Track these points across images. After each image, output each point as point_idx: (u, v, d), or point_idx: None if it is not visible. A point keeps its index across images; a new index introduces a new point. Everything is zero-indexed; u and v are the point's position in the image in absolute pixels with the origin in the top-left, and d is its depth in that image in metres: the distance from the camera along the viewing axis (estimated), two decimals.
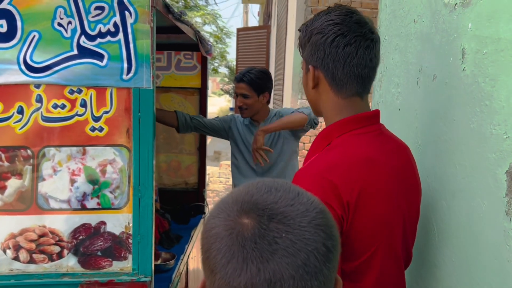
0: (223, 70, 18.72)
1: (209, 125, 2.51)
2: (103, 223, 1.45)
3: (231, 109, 17.70)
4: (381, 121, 1.67)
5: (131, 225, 1.44)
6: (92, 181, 1.44)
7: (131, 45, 1.38)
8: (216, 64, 17.59)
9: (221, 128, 2.52)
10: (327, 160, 0.96)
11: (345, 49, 0.99)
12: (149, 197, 1.44)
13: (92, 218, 1.45)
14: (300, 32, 1.08)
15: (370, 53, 1.02)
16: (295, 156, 2.49)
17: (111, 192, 1.44)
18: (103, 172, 1.43)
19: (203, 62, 2.88)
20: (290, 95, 5.65)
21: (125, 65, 1.39)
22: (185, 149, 2.97)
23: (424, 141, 1.30)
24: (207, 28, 15.46)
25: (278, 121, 2.32)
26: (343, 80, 1.01)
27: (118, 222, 1.45)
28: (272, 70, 8.82)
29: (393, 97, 1.59)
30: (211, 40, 16.05)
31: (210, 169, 5.82)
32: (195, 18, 15.09)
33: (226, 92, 16.88)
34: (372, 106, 1.83)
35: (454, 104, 1.12)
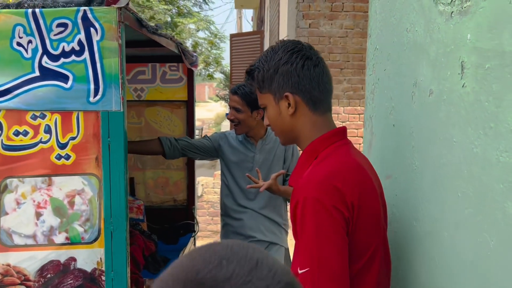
0: (219, 75, 18.64)
1: (198, 145, 2.32)
2: (73, 259, 1.32)
3: (227, 114, 17.58)
4: (374, 137, 1.55)
5: (103, 260, 1.32)
6: (60, 213, 1.31)
7: (98, 65, 1.26)
8: (211, 70, 17.50)
9: (210, 148, 2.34)
10: (326, 168, 1.02)
11: (315, 70, 1.10)
12: (122, 230, 1.31)
13: (60, 254, 1.32)
14: (255, 72, 1.13)
15: (328, 71, 1.15)
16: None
17: (80, 225, 1.32)
18: (71, 203, 1.31)
19: (190, 74, 2.77)
20: None
21: (92, 86, 1.27)
22: (172, 164, 2.84)
23: (422, 163, 1.17)
24: (201, 34, 15.39)
25: (288, 193, 2.08)
26: (320, 97, 1.11)
27: (89, 258, 1.32)
28: None
29: (386, 112, 1.47)
30: (205, 46, 15.97)
31: (204, 180, 5.69)
32: (189, 25, 15.01)
33: (222, 98, 16.76)
34: (365, 120, 1.71)
35: (454, 123, 1.00)
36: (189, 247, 2.66)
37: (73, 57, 1.26)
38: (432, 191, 1.10)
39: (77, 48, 1.26)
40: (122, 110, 1.28)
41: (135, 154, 2.40)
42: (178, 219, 2.77)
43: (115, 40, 1.25)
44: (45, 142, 1.29)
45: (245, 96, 2.16)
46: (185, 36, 14.20)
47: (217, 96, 18.02)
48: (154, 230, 2.63)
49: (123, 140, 1.29)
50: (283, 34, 5.74)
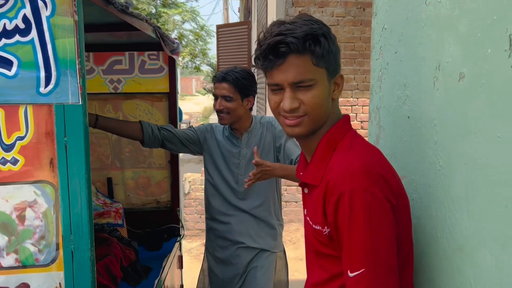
0: (206, 68, 18.31)
1: (182, 136, 2.07)
2: (26, 285, 1.09)
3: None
4: (383, 130, 1.34)
5: (63, 286, 1.09)
6: (7, 231, 1.08)
7: (49, 46, 1.02)
8: (198, 63, 17.16)
9: (195, 140, 2.11)
10: (363, 156, 0.93)
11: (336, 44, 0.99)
12: (85, 249, 1.08)
13: (9, 280, 1.09)
14: (322, 38, 0.94)
15: None
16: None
17: (34, 245, 1.08)
18: (21, 218, 1.07)
19: (171, 63, 2.52)
20: None
21: (42, 73, 1.03)
22: (154, 162, 2.60)
23: (448, 163, 0.96)
24: (187, 26, 15.05)
25: (286, 168, 1.86)
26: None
27: (45, 284, 1.09)
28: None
29: (398, 102, 1.25)
30: (191, 38, 15.63)
31: (191, 176, 5.45)
32: (174, 16, 14.65)
33: (209, 91, 16.45)
34: (370, 111, 1.49)
35: (497, 114, 0.79)
36: (174, 253, 2.43)
37: (17, 37, 1.02)
38: (465, 199, 0.89)
39: (21, 26, 1.01)
40: (81, 103, 1.05)
41: (108, 132, 2.07)
42: (161, 223, 2.54)
43: (69, 15, 1.01)
44: None
45: (236, 82, 1.92)
46: (170, 27, 13.84)
47: (204, 89, 17.69)
48: (135, 235, 2.40)
49: (83, 139, 1.06)
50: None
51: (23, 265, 1.09)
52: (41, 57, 1.02)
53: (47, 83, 1.03)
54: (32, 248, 1.08)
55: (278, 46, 0.91)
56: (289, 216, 5.08)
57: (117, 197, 2.56)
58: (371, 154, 0.95)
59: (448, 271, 0.95)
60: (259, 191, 2.03)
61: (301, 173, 1.07)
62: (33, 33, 1.02)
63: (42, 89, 1.03)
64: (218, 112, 1.97)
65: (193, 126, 2.18)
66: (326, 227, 0.93)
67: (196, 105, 23.94)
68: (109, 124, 1.94)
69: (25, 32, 1.01)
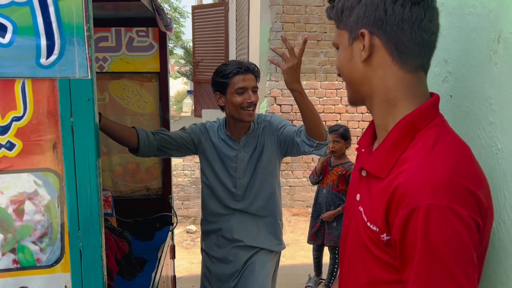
0: (178, 51, 17.86)
1: (178, 140, 1.88)
2: None
3: (188, 91, 16.97)
4: None
5: None
6: (2, 227, 0.92)
7: (51, 9, 0.86)
8: (171, 46, 16.70)
9: (189, 143, 1.93)
10: (448, 161, 0.74)
11: (413, 9, 0.79)
12: (96, 246, 0.94)
13: (6, 284, 0.93)
14: (332, 1, 0.88)
15: (436, 16, 0.84)
16: (274, 175, 1.97)
17: (34, 243, 0.93)
18: (19, 212, 0.92)
19: (162, 40, 2.34)
20: None
21: (43, 41, 0.87)
22: None
23: (510, 145, 0.87)
24: None
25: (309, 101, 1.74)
26: (411, 48, 0.81)
27: (49, 287, 0.94)
28: (232, 49, 8.29)
29: (437, 79, 1.15)
30: None
31: (173, 161, 5.27)
32: None
33: (183, 74, 16.06)
34: None
35: None
36: (168, 242, 2.29)
37: None
38: None
39: None
40: (90, 77, 0.89)
41: (105, 133, 1.74)
42: (152, 211, 2.39)
43: None
44: None
45: (257, 72, 1.90)
46: None
47: (178, 72, 17.26)
48: (125, 225, 2.25)
49: (93, 119, 0.90)
50: (256, 5, 5.31)
51: (22, 267, 0.93)
52: (42, 22, 0.86)
53: (49, 53, 0.87)
54: (33, 247, 0.93)
55: None
56: None
57: (104, 185, 2.39)
58: (460, 158, 0.77)
59: (509, 266, 0.86)
60: (257, 191, 1.92)
61: (363, 150, 0.92)
62: None
63: (43, 60, 0.87)
64: (248, 105, 1.82)
65: (185, 128, 1.99)
66: (385, 234, 0.78)
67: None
68: (110, 124, 1.73)
69: None
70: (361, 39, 0.82)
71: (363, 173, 0.89)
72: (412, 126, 0.80)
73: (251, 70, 1.85)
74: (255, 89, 1.86)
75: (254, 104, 1.84)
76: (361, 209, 0.87)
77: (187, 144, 1.93)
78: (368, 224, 0.83)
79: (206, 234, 2.05)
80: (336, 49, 0.91)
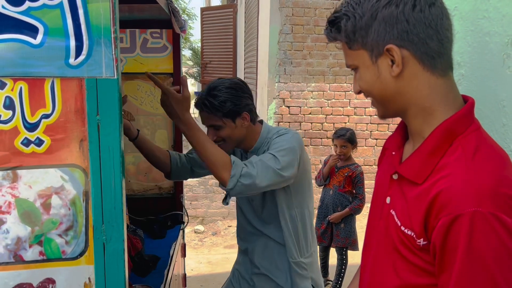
0: (186, 52, 17.96)
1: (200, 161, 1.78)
2: (51, 281, 0.98)
3: (196, 93, 17.04)
4: None
5: (93, 281, 0.98)
6: (30, 220, 0.96)
7: (81, 11, 0.90)
8: None
9: None
10: (491, 168, 0.74)
11: (432, 11, 0.80)
12: (119, 240, 0.97)
13: (33, 275, 0.97)
14: (342, 20, 0.84)
15: (447, 11, 0.83)
16: (281, 201, 1.67)
17: (60, 236, 0.97)
18: (47, 206, 0.96)
19: (175, 42, 2.38)
20: (266, 78, 5.20)
21: (73, 42, 0.91)
22: None
23: None
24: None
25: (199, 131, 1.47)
26: (440, 50, 0.81)
27: (73, 279, 0.98)
28: (241, 51, 8.33)
29: None
30: None
31: None
32: None
33: (191, 76, 16.16)
34: None
35: None
36: (179, 241, 2.33)
37: (44, 0, 0.89)
38: None
39: None
40: (116, 77, 0.93)
41: (141, 151, 1.79)
42: (164, 210, 2.43)
43: None
44: (5, 122, 0.93)
45: (216, 109, 1.57)
46: None
47: (186, 73, 17.36)
48: (138, 223, 2.29)
49: (118, 117, 0.94)
50: (266, 7, 5.36)
51: (48, 259, 0.97)
52: (71, 24, 0.90)
53: (78, 53, 0.91)
54: (58, 240, 0.97)
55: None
56: None
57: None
58: (501, 166, 0.76)
59: None
60: (273, 214, 1.70)
61: (393, 153, 0.92)
62: None
63: (71, 61, 0.91)
64: (215, 141, 1.62)
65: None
66: (422, 239, 0.78)
67: None
68: (147, 142, 1.76)
69: None
70: (387, 54, 0.81)
71: (395, 177, 0.89)
72: (451, 132, 0.80)
73: (204, 108, 1.60)
74: (215, 127, 1.61)
75: (218, 141, 1.62)
76: (393, 213, 0.86)
77: None
78: (402, 228, 0.82)
79: (241, 254, 1.90)
80: (353, 70, 0.89)
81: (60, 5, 0.89)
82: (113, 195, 0.96)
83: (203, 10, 10.11)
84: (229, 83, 1.62)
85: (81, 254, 0.97)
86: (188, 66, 16.98)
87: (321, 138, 5.32)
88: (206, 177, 5.22)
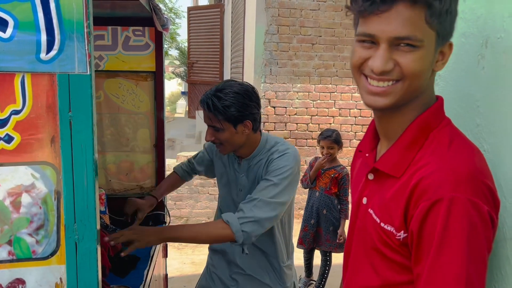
0: (173, 52, 17.86)
1: (202, 162, 1.98)
2: (21, 281, 0.96)
3: (183, 93, 16.96)
4: None
5: (65, 282, 0.96)
6: None
7: (52, 5, 0.88)
8: (166, 46, 16.69)
9: (208, 161, 1.92)
10: (467, 158, 0.76)
11: (456, 6, 0.80)
12: (91, 239, 0.95)
13: (2, 276, 0.95)
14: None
15: None
16: None
17: (30, 235, 0.95)
18: (16, 204, 0.94)
19: (158, 40, 2.36)
20: (252, 79, 5.19)
21: (44, 36, 0.89)
22: (138, 146, 2.45)
23: (496, 146, 0.90)
24: None
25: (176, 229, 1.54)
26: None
27: (44, 279, 0.96)
28: (228, 51, 8.32)
29: None
30: None
31: (167, 161, 5.27)
32: None
33: (178, 75, 16.06)
34: None
35: None
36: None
37: None
38: None
39: None
40: (89, 73, 0.91)
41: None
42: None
43: None
44: None
45: (218, 111, 1.54)
46: None
47: (173, 73, 17.27)
48: (119, 223, 2.25)
49: (91, 114, 0.92)
50: (251, 7, 5.35)
51: (17, 258, 0.95)
52: (42, 17, 0.87)
53: (49, 48, 0.89)
54: (29, 239, 0.95)
55: None
56: None
57: (98, 182, 2.39)
58: (476, 157, 0.78)
59: (496, 263, 0.89)
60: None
61: (367, 154, 0.92)
62: None
63: (43, 55, 0.89)
64: (213, 143, 1.65)
65: (205, 145, 1.97)
66: (402, 232, 0.78)
67: None
68: (163, 191, 2.12)
69: None
70: (447, 47, 0.82)
71: (370, 177, 0.89)
72: (426, 126, 0.81)
73: (209, 109, 1.56)
74: (214, 128, 1.58)
75: (215, 142, 1.62)
76: (371, 211, 0.86)
77: (206, 162, 1.96)
78: (382, 224, 0.82)
79: (214, 255, 1.92)
80: (406, 44, 0.76)
81: None
82: (85, 193, 0.94)
83: (190, 9, 10.06)
84: (238, 88, 1.56)
85: (53, 253, 0.95)
86: (175, 66, 16.88)
87: (306, 139, 5.34)
88: None
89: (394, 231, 0.80)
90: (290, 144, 1.71)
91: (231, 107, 1.53)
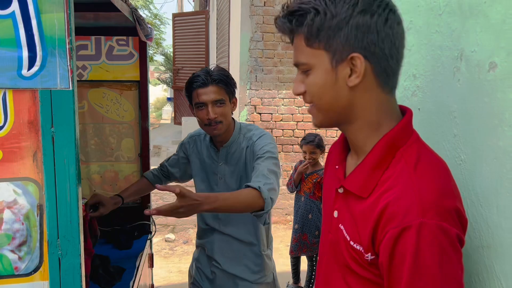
0: (159, 58, 17.80)
1: (175, 164, 1.96)
2: None
3: (168, 99, 16.88)
4: None
5: None
6: None
7: (34, 22, 0.88)
8: (151, 52, 16.62)
9: (181, 162, 1.94)
10: (433, 180, 0.75)
11: (398, 28, 0.80)
12: (75, 255, 0.95)
13: None
14: (309, 14, 0.78)
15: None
16: None
17: (13, 251, 0.94)
18: None
19: (142, 49, 2.36)
20: (237, 85, 5.21)
21: (25, 53, 0.89)
22: (123, 156, 2.44)
23: (472, 156, 0.93)
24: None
25: (217, 199, 1.39)
26: (395, 69, 0.81)
27: None
28: (213, 57, 8.33)
29: (406, 92, 1.21)
30: None
31: (151, 168, 5.23)
32: None
33: (163, 81, 16.00)
34: None
35: None
36: (146, 251, 2.29)
37: None
38: (495, 194, 0.86)
39: None
40: (71, 88, 0.91)
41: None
42: (131, 219, 2.38)
43: None
44: None
45: (229, 83, 1.64)
46: None
47: (158, 79, 17.19)
48: (104, 233, 2.24)
49: (74, 130, 0.92)
50: (236, 14, 5.38)
51: (0, 276, 0.94)
52: (24, 34, 0.88)
53: (31, 64, 0.89)
54: (11, 256, 0.94)
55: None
56: None
57: (82, 193, 2.37)
58: (443, 177, 0.77)
59: (473, 270, 0.92)
60: (243, 216, 1.75)
61: (337, 166, 0.92)
62: (14, 5, 0.87)
63: (24, 72, 0.89)
64: (210, 122, 1.65)
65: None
66: (370, 254, 0.78)
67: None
68: (131, 195, 2.01)
69: (4, 4, 0.86)
70: (349, 62, 0.78)
71: (340, 190, 0.88)
72: (393, 145, 0.80)
73: (214, 80, 1.62)
74: (218, 103, 1.63)
75: (216, 121, 1.64)
76: (342, 227, 0.86)
77: (179, 164, 1.96)
78: (352, 243, 0.82)
79: (196, 249, 1.97)
80: (302, 71, 0.82)
81: (12, 15, 0.87)
82: (68, 209, 0.94)
83: (174, 16, 10.06)
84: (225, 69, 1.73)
85: (35, 270, 0.95)
86: (160, 72, 16.82)
87: (292, 145, 5.37)
88: (176, 185, 5.15)
89: (362, 250, 0.79)
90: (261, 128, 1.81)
91: (232, 79, 1.68)
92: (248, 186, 1.46)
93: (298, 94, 0.85)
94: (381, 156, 0.80)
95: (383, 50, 0.77)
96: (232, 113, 1.75)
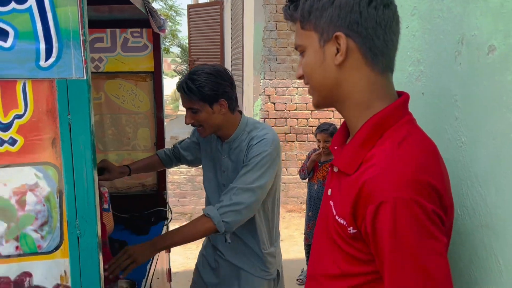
0: (175, 49, 17.91)
1: (188, 147, 1.99)
2: (28, 274, 1.02)
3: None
4: None
5: (69, 274, 1.02)
6: (6, 217, 1.00)
7: (49, 15, 0.93)
8: (167, 44, 16.76)
9: (194, 145, 1.98)
10: (413, 158, 0.78)
11: (385, 12, 0.82)
12: (92, 234, 1.01)
13: (10, 269, 1.01)
14: (299, 1, 0.87)
15: (399, 19, 0.87)
16: None
17: (36, 231, 1.01)
18: (22, 203, 1.00)
19: (155, 41, 2.41)
20: (251, 75, 5.24)
21: (42, 45, 0.94)
22: (139, 145, 2.51)
23: (473, 138, 0.95)
24: (155, 5, 14.60)
25: (167, 237, 1.64)
26: (382, 49, 0.84)
27: (49, 272, 1.02)
28: (228, 48, 8.36)
29: (411, 78, 1.23)
30: None
31: None
32: None
33: (180, 73, 16.12)
34: None
35: None
36: None
37: (13, 5, 0.93)
38: (492, 173, 0.89)
39: None
40: (85, 78, 0.97)
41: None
42: (148, 206, 2.47)
43: None
44: None
45: (194, 92, 1.61)
46: None
47: (174, 71, 17.32)
48: (122, 220, 2.32)
49: (89, 117, 0.98)
50: (250, 4, 5.39)
51: (24, 253, 1.01)
52: (41, 27, 0.93)
53: (48, 56, 0.94)
54: (34, 235, 1.01)
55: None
56: None
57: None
58: (425, 155, 0.80)
59: (472, 248, 0.94)
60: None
61: (336, 147, 0.96)
62: (31, 1, 0.92)
63: (42, 63, 0.95)
64: (192, 125, 1.72)
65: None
66: (352, 228, 0.82)
67: (165, 88, 23.41)
68: (139, 168, 2.07)
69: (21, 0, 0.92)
70: (335, 41, 0.82)
71: (335, 169, 0.92)
72: (380, 125, 0.82)
73: (183, 90, 1.63)
74: (192, 110, 1.66)
75: (195, 125, 1.69)
76: (331, 203, 0.90)
77: (196, 148, 1.99)
78: (337, 217, 0.86)
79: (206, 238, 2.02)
80: (300, 53, 0.89)
81: (29, 9, 0.92)
82: (85, 191, 1.00)
83: (189, 7, 10.10)
84: (209, 69, 1.64)
85: (56, 248, 1.01)
86: (176, 63, 16.92)
87: (306, 134, 5.38)
88: (193, 174, 5.26)
89: (345, 224, 0.83)
90: (270, 127, 1.76)
91: (204, 87, 1.60)
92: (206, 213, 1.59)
93: (299, 77, 0.92)
94: (368, 135, 0.83)
95: (366, 29, 0.81)
96: (233, 110, 1.70)
